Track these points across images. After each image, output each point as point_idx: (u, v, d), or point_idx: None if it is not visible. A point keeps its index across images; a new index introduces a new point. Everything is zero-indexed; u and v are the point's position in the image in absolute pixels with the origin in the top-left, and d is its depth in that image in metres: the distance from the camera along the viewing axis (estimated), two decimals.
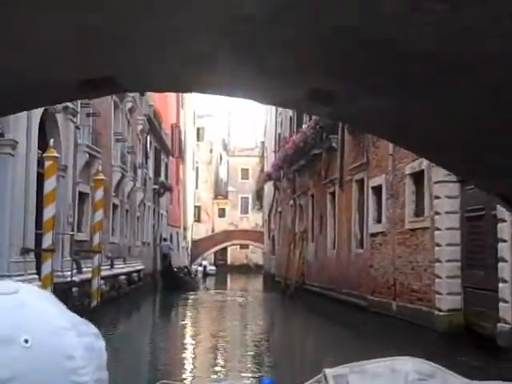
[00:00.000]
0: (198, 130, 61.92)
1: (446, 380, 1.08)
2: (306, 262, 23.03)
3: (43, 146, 12.75)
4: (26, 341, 0.57)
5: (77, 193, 15.76)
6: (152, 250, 31.15)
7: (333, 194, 18.95)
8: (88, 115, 16.89)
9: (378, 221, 14.29)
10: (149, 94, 31.54)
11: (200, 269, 44.14)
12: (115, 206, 20.73)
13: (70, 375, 0.59)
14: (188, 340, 14.63)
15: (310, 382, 1.17)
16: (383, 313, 13.28)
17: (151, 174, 31.07)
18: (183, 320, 18.69)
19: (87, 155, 16.00)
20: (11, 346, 0.56)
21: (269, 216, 35.21)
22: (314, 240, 21.76)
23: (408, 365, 1.08)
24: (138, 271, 24.80)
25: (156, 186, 32.05)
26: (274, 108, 33.42)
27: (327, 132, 18.71)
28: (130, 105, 22.35)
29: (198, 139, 62.11)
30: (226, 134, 70.91)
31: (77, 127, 15.36)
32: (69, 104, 14.33)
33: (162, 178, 34.64)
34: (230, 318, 18.79)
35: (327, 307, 17.82)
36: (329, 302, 18.19)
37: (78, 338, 0.61)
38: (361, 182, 15.77)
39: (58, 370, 0.58)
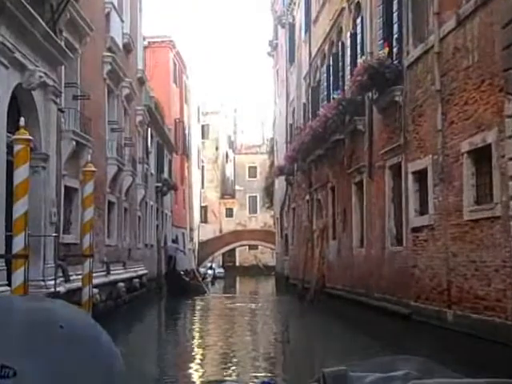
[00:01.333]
0: (203, 127, 59.49)
1: (445, 378, 1.03)
2: (326, 262, 20.67)
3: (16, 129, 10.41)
4: (62, 326, 0.68)
5: (62, 187, 13.41)
6: (156, 253, 28.82)
7: (359, 184, 16.56)
8: (75, 98, 14.56)
9: (423, 212, 11.88)
10: (149, 84, 29.28)
11: (210, 272, 41.64)
12: (111, 204, 18.36)
13: (103, 358, 0.69)
14: (198, 362, 12.25)
15: (310, 382, 1.08)
16: (433, 323, 10.89)
17: (153, 170, 28.74)
18: (191, 332, 16.33)
19: (74, 143, 13.63)
20: (51, 328, 0.67)
21: (281, 214, 32.82)
22: (336, 237, 19.36)
23: (407, 363, 1.01)
24: (140, 276, 22.47)
25: (159, 184, 29.71)
26: (284, 97, 31.11)
27: (351, 113, 16.32)
28: (126, 91, 19.98)
29: (203, 137, 59.67)
30: (231, 132, 68.61)
31: (60, 110, 13.01)
32: (48, 81, 12.00)
33: (166, 175, 32.32)
34: (242, 331, 16.31)
35: (356, 314, 15.43)
36: (357, 308, 15.82)
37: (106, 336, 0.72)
38: (396, 168, 13.37)
39: (89, 351, 0.68)
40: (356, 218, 16.85)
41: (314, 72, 22.92)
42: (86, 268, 13.21)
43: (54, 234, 11.84)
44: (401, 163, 12.98)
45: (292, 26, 28.44)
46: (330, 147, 18.87)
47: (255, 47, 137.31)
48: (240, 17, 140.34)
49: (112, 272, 17.50)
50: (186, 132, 44.29)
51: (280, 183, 32.92)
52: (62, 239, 13.46)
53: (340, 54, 18.40)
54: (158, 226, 29.67)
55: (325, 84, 20.44)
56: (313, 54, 23.03)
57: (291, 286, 27.76)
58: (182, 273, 31.37)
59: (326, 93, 20.23)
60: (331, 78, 19.36)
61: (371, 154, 15.10)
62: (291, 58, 28.72)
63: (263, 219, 59.76)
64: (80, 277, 13.40)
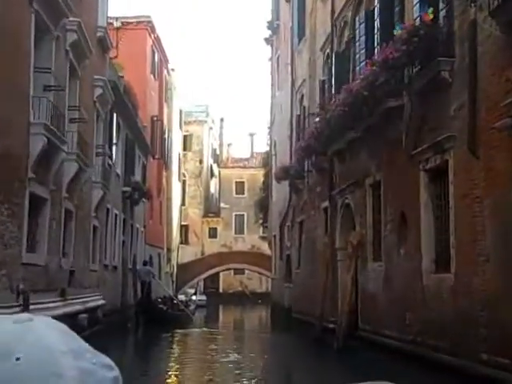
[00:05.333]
0: (186, 137, 53.09)
1: None
2: (359, 293, 14.30)
3: None
4: (18, 358, 0.63)
5: None
6: (120, 277, 22.20)
7: (435, 170, 10.29)
8: None
9: None
10: (118, 63, 23.11)
11: (194, 298, 35.38)
12: (39, 200, 11.68)
13: None
14: None
15: None
16: None
17: (120, 170, 22.26)
18: None
19: None
20: (4, 362, 0.63)
21: (280, 230, 26.41)
22: (380, 258, 13.01)
23: None
24: (93, 309, 15.88)
25: (127, 189, 23.15)
26: (288, 86, 25.01)
27: (425, 54, 10.08)
28: (73, 37, 13.44)
29: (186, 149, 53.27)
30: (217, 144, 62.27)
31: None
32: None
33: (138, 180, 25.79)
34: None
35: None
36: (434, 374, 9.47)
37: (74, 361, 0.65)
38: None
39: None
40: (428, 224, 10.53)
41: (340, 32, 16.79)
42: None
43: None
44: None
45: None
46: (373, 124, 12.61)
47: (245, 52, 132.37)
48: (228, 12, 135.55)
49: (35, 307, 10.91)
50: (166, 136, 37.90)
51: (279, 192, 26.63)
52: None
53: None
54: (124, 242, 23.04)
55: (363, 38, 14.27)
56: (337, 11, 16.95)
57: (295, 322, 21.39)
58: (159, 300, 25.39)
59: (364, 49, 14.08)
60: (377, 23, 13.17)
61: (474, 113, 8.83)
62: (300, 33, 22.71)
63: (251, 241, 53.29)
64: None
